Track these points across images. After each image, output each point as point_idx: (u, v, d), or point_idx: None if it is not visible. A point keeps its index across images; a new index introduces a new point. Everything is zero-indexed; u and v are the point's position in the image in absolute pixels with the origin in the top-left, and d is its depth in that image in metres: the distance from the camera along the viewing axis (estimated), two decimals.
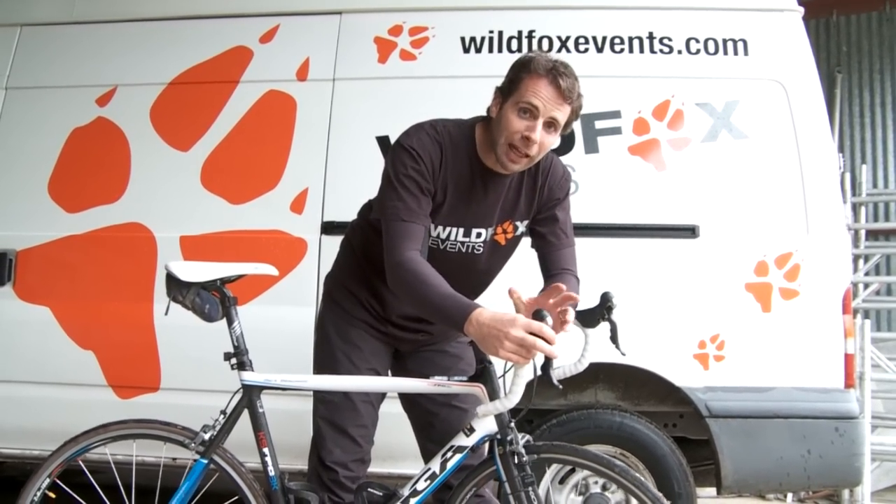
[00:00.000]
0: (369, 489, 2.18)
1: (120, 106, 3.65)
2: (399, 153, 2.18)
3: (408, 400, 2.49)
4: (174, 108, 3.61)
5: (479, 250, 2.32)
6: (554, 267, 2.32)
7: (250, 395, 2.27)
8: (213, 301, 2.28)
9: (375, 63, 3.51)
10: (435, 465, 2.15)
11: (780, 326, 3.18)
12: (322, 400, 2.39)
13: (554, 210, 2.35)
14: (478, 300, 2.15)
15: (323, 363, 2.44)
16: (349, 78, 3.52)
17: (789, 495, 5.11)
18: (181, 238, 3.45)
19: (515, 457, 2.09)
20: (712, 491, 3.40)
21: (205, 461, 2.27)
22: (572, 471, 3.20)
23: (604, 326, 2.18)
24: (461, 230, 2.28)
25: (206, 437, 2.27)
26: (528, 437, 2.14)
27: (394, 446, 2.72)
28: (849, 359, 3.16)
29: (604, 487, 3.17)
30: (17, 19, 3.85)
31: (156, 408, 3.03)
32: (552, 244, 2.35)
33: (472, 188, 2.25)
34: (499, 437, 2.11)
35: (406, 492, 2.15)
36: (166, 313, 2.32)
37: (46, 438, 3.40)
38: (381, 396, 2.44)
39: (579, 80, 2.13)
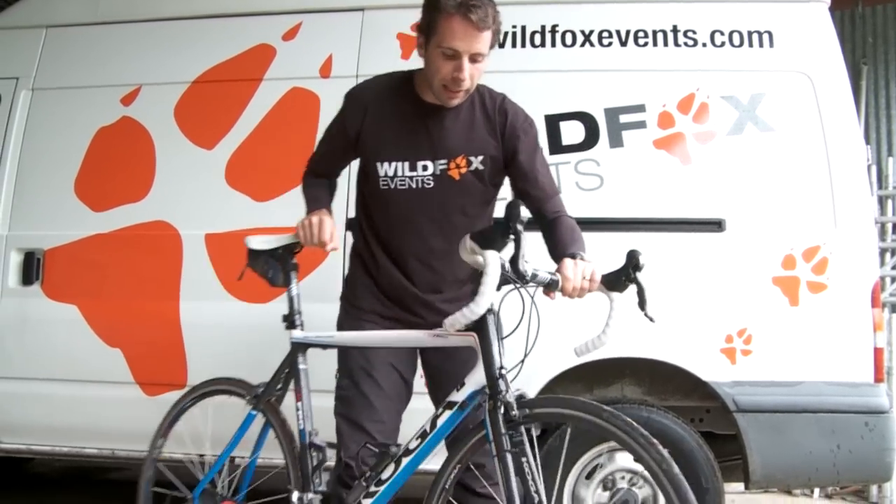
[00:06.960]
0: (367, 446, 2.17)
1: (144, 105, 3.68)
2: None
3: (429, 375, 2.51)
4: (198, 106, 3.63)
5: (429, 184, 2.34)
6: (548, 213, 2.34)
7: (296, 351, 2.47)
8: (276, 267, 2.56)
9: (398, 59, 3.50)
10: (427, 423, 2.08)
11: (808, 320, 3.15)
12: (339, 397, 2.41)
13: (518, 154, 2.34)
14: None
15: (341, 363, 2.46)
16: (372, 74, 3.50)
17: (816, 491, 5.06)
18: (206, 236, 3.47)
19: (504, 409, 1.90)
20: (740, 486, 3.38)
21: (255, 413, 2.56)
22: (598, 466, 3.18)
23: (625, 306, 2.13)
24: (406, 164, 2.34)
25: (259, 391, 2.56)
26: (521, 390, 1.96)
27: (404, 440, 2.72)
28: (878, 353, 3.12)
29: (631, 483, 3.15)
30: (43, 21, 3.88)
31: None
32: (538, 198, 2.35)
33: (413, 123, 2.34)
34: (489, 390, 1.95)
35: (399, 451, 2.09)
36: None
37: (75, 435, 3.45)
38: (405, 395, 2.44)
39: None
